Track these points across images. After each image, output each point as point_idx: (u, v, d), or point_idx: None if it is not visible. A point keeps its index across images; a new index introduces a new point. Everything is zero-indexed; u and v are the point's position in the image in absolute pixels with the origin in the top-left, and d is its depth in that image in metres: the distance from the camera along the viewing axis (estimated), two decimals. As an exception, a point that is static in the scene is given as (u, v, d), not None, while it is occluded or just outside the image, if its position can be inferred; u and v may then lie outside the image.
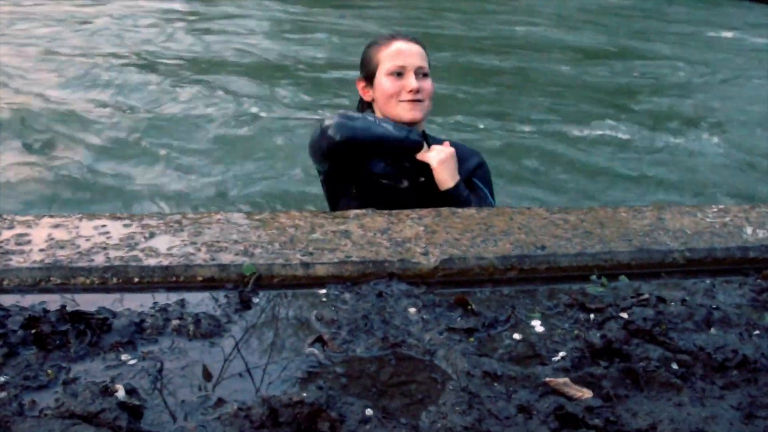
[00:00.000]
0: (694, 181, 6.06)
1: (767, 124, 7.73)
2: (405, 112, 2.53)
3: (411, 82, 2.51)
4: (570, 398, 1.24)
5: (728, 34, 13.63)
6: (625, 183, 5.95)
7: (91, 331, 1.36)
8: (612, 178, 6.05)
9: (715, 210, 2.11)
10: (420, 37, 2.71)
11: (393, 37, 2.62)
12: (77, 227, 1.75)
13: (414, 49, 2.57)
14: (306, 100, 7.92)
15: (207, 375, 1.27)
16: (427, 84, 2.55)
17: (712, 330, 1.51)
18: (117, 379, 1.23)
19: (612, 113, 7.87)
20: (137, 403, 1.16)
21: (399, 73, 2.53)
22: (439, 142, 2.63)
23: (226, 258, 1.63)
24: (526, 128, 7.23)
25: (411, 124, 2.52)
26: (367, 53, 2.65)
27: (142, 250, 1.65)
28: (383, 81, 2.55)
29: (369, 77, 2.61)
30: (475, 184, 2.65)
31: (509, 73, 9.77)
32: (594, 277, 1.72)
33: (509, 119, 7.53)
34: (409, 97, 2.51)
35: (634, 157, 6.58)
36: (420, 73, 2.54)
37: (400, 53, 2.55)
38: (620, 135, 7.12)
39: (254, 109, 7.28)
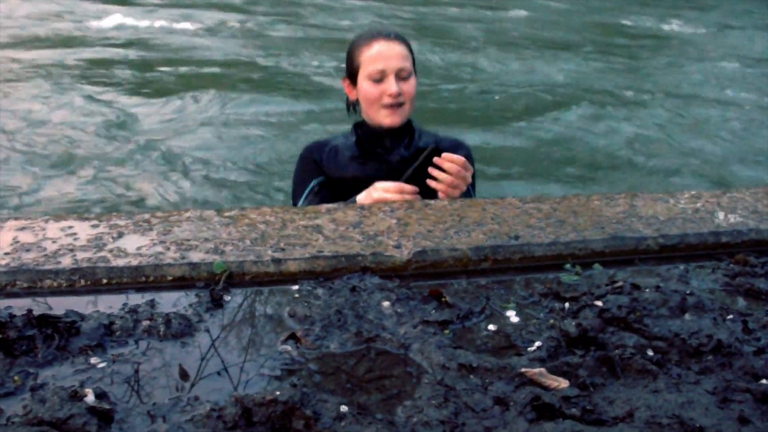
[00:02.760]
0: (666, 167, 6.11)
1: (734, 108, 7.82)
2: (385, 117, 2.48)
3: (390, 86, 2.44)
4: (546, 388, 1.23)
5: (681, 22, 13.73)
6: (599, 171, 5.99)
7: (59, 335, 1.33)
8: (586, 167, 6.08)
9: (687, 196, 2.12)
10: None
11: (373, 36, 2.53)
12: (43, 229, 1.71)
13: (394, 50, 2.49)
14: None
15: (179, 376, 1.25)
16: (409, 86, 2.49)
17: (687, 316, 1.50)
18: (86, 384, 1.21)
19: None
20: (107, 407, 1.13)
21: (379, 78, 2.46)
22: (432, 136, 2.61)
23: (196, 256, 1.61)
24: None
25: (392, 128, 2.49)
26: (349, 52, 2.58)
27: (111, 251, 1.62)
28: (364, 85, 2.50)
29: (352, 77, 2.56)
30: None
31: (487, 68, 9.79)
32: (568, 265, 1.71)
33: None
34: (389, 101, 2.45)
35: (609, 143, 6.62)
36: (401, 75, 2.47)
37: (380, 56, 2.47)
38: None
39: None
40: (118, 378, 1.23)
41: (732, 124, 7.39)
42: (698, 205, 2.04)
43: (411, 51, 2.56)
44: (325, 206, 1.92)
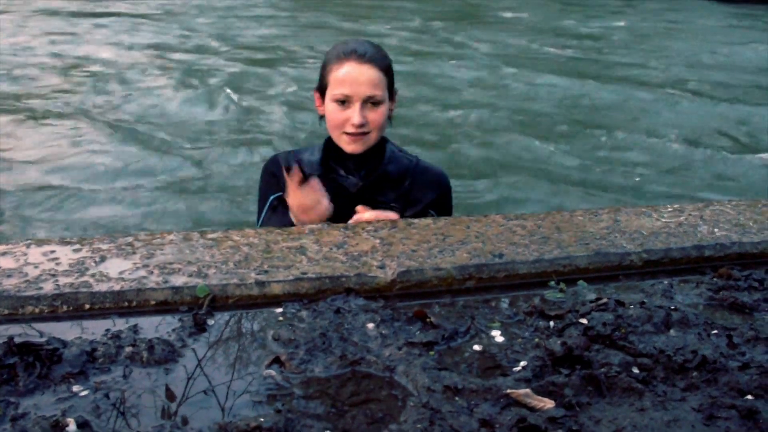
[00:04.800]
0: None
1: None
2: (346, 144, 2.34)
3: (354, 116, 2.29)
4: (532, 409, 1.23)
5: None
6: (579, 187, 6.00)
7: (41, 363, 1.31)
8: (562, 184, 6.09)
9: (670, 209, 2.13)
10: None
11: (346, 55, 2.34)
12: (25, 254, 1.70)
13: (365, 75, 2.31)
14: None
15: (162, 403, 1.24)
16: (376, 115, 2.32)
17: (672, 331, 1.51)
18: (68, 413, 1.19)
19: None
20: (89, 436, 1.12)
21: (344, 102, 2.31)
22: (410, 159, 2.49)
23: (179, 280, 1.60)
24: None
25: (354, 155, 2.36)
26: (323, 65, 2.43)
27: (93, 276, 1.61)
28: (329, 106, 2.35)
29: (321, 92, 2.41)
30: (429, 214, 2.38)
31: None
32: (552, 282, 1.71)
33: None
34: (352, 130, 2.30)
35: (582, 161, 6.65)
36: (369, 102, 2.31)
37: (347, 79, 2.30)
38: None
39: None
40: (100, 406, 1.22)
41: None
42: (681, 218, 2.05)
43: (388, 72, 2.39)
44: (308, 227, 1.92)
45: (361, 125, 2.29)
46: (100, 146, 6.63)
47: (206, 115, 7.84)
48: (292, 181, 2.13)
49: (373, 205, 2.28)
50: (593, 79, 9.61)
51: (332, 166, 2.41)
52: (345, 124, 2.31)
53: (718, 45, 12.38)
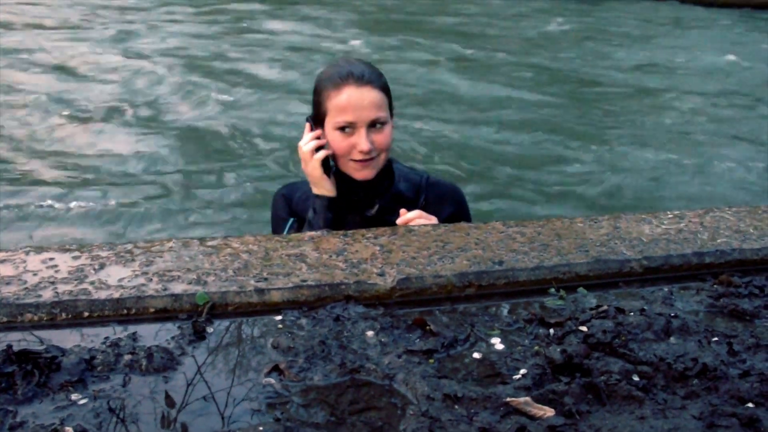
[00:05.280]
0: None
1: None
2: (355, 171, 2.29)
3: (362, 142, 2.22)
4: (532, 417, 1.23)
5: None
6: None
7: (39, 371, 1.31)
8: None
9: (670, 216, 2.12)
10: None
11: (343, 79, 2.25)
12: (24, 261, 1.70)
13: (366, 98, 2.23)
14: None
15: (160, 412, 1.23)
16: (383, 136, 2.26)
17: (672, 339, 1.50)
18: (67, 421, 1.19)
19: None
20: (87, 445, 1.12)
21: (349, 130, 2.24)
22: (420, 175, 2.47)
23: (178, 287, 1.59)
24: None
25: (365, 181, 2.31)
26: (316, 92, 2.34)
27: (92, 283, 1.60)
28: (332, 135, 2.27)
29: (318, 121, 2.33)
30: None
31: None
32: (552, 290, 1.71)
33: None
34: (360, 157, 2.25)
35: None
36: (374, 126, 2.25)
37: (350, 106, 2.22)
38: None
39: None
40: (99, 415, 1.22)
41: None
42: (681, 225, 2.04)
43: (387, 90, 2.32)
44: (308, 234, 1.92)
45: (369, 150, 2.23)
46: (98, 152, 6.64)
47: (205, 123, 7.86)
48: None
49: (384, 224, 2.21)
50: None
51: (343, 194, 2.33)
52: (352, 151, 2.25)
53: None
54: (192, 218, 5.36)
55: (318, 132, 2.31)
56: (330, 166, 2.31)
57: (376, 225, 2.16)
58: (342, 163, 2.30)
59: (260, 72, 10.25)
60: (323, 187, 2.31)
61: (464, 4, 16.75)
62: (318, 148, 2.29)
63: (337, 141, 2.26)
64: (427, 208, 2.31)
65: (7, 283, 1.59)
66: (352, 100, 2.22)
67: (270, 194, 2.60)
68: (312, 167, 2.29)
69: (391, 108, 2.34)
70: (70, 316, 1.52)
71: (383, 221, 2.27)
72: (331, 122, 2.26)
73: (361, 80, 2.25)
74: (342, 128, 2.24)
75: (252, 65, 10.68)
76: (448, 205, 2.44)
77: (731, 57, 11.80)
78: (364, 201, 2.34)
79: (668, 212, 2.17)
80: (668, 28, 15.03)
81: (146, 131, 7.37)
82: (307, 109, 2.47)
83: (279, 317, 1.55)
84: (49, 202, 5.52)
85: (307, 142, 2.31)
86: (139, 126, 7.59)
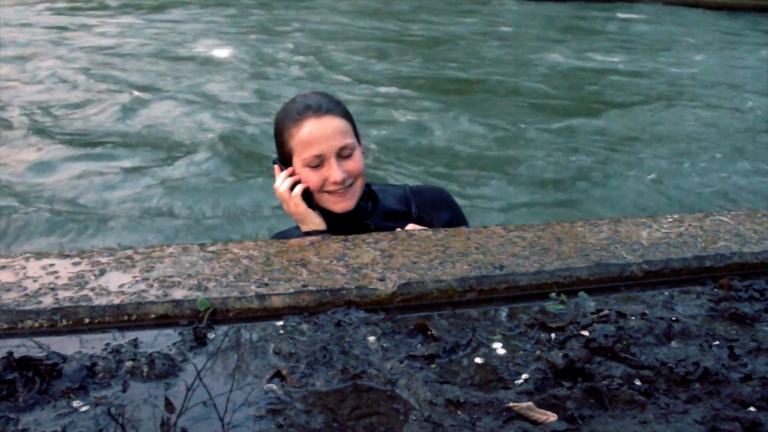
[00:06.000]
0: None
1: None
2: (334, 204, 2.22)
3: (334, 173, 2.16)
4: (535, 422, 1.23)
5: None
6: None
7: (40, 378, 1.31)
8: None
9: (670, 220, 2.12)
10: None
11: (301, 114, 2.18)
12: (24, 268, 1.69)
13: (329, 127, 2.16)
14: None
15: (161, 418, 1.23)
16: (353, 163, 2.20)
17: (673, 343, 1.50)
18: (68, 428, 1.19)
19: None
20: (89, 453, 1.11)
21: (318, 164, 2.18)
22: (401, 188, 2.43)
23: (179, 293, 1.59)
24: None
25: (345, 213, 2.25)
26: (277, 133, 2.27)
27: (93, 289, 1.60)
28: (303, 173, 2.20)
29: (285, 162, 2.26)
30: None
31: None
32: (553, 294, 1.71)
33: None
34: (335, 188, 2.19)
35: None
36: (343, 154, 2.18)
37: (313, 139, 2.15)
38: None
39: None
40: (100, 422, 1.21)
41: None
42: (681, 229, 2.04)
43: (348, 116, 2.26)
44: (308, 239, 1.91)
45: (343, 180, 2.18)
46: (98, 160, 6.63)
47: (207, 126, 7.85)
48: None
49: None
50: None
51: (331, 226, 2.25)
52: (325, 184, 2.19)
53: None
54: (197, 223, 5.37)
55: (290, 169, 2.23)
56: (311, 199, 2.23)
57: None
58: (318, 198, 2.23)
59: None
60: (311, 222, 2.22)
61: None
62: (294, 184, 2.21)
63: (308, 177, 2.20)
64: (421, 217, 2.29)
65: (8, 290, 1.59)
66: (314, 133, 2.16)
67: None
68: (294, 204, 2.21)
69: (356, 133, 2.28)
70: (70, 322, 1.52)
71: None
72: (299, 160, 2.20)
73: (319, 111, 2.18)
74: (312, 165, 2.18)
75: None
76: (442, 211, 2.40)
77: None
78: (356, 228, 2.22)
79: (668, 216, 2.17)
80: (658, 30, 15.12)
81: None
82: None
83: (280, 323, 1.55)
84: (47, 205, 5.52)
85: (281, 182, 2.22)
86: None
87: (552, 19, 16.36)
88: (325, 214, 2.26)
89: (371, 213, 2.33)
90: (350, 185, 2.21)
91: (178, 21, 14.69)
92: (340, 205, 2.22)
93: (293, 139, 2.19)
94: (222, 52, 11.77)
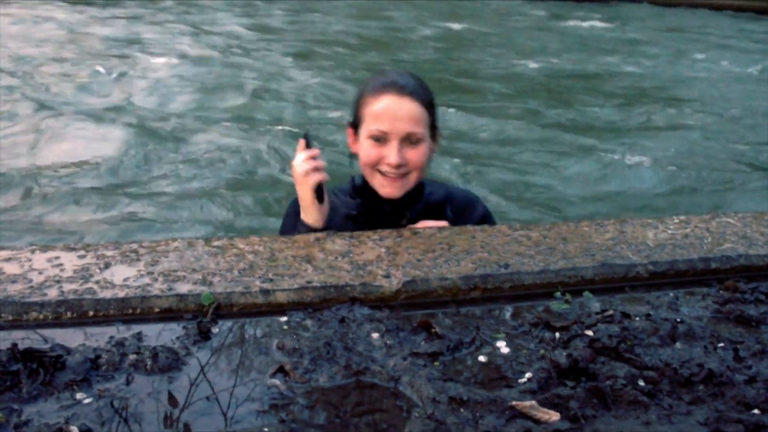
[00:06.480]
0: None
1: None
2: (381, 186, 2.15)
3: (391, 155, 2.10)
4: (537, 421, 1.22)
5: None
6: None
7: (44, 370, 1.31)
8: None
9: (677, 221, 2.12)
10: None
11: (384, 87, 2.15)
12: (30, 260, 1.70)
13: (405, 109, 2.11)
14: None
15: (164, 412, 1.23)
16: (416, 154, 2.13)
17: (677, 344, 1.50)
18: (71, 420, 1.19)
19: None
20: (92, 445, 1.12)
21: (381, 139, 2.12)
22: (440, 186, 2.37)
23: (183, 288, 1.59)
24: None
25: (391, 198, 2.17)
26: (357, 97, 2.23)
27: (97, 282, 1.60)
28: (363, 143, 2.16)
29: (355, 127, 2.22)
30: None
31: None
32: (558, 293, 1.70)
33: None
34: (388, 170, 2.13)
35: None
36: (408, 140, 2.12)
37: (386, 114, 2.10)
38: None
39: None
40: (103, 414, 1.22)
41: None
42: (687, 230, 2.04)
43: (431, 107, 2.19)
44: (314, 235, 1.91)
45: (399, 165, 2.12)
46: (102, 152, 6.64)
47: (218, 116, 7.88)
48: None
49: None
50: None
51: (370, 206, 2.22)
52: (380, 162, 2.13)
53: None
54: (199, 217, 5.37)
55: (315, 151, 2.11)
56: (323, 192, 2.13)
57: None
58: (369, 174, 2.18)
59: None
60: (311, 215, 2.12)
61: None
62: (313, 171, 2.09)
63: (367, 150, 2.15)
64: (456, 222, 2.20)
65: (13, 282, 1.59)
66: (389, 109, 2.11)
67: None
68: (303, 191, 2.11)
69: (434, 128, 2.23)
70: (75, 315, 1.52)
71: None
72: (365, 130, 2.16)
73: (402, 90, 2.13)
74: (375, 138, 2.13)
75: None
76: (475, 210, 2.34)
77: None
78: (392, 215, 2.21)
79: (674, 217, 2.17)
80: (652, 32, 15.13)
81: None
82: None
83: (284, 318, 1.55)
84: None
85: (300, 162, 2.09)
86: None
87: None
88: (364, 195, 2.23)
89: (411, 205, 2.25)
90: (405, 174, 2.15)
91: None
92: (387, 189, 2.16)
93: (367, 108, 2.15)
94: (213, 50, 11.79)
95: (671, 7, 18.66)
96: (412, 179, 2.17)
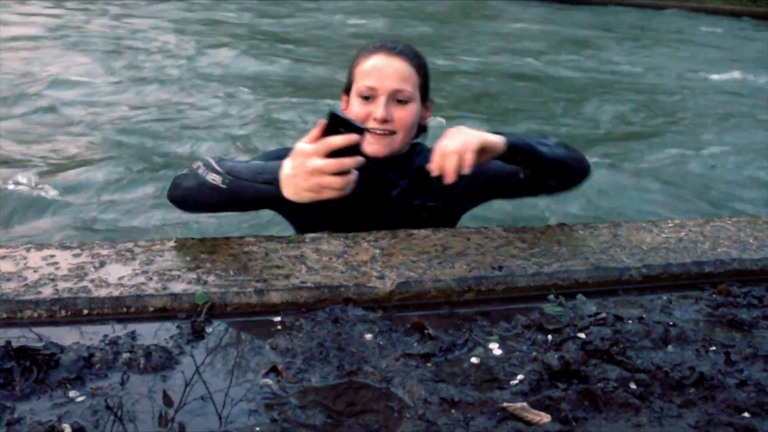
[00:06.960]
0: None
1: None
2: (368, 144, 2.10)
3: (377, 109, 2.10)
4: (528, 423, 1.23)
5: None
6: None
7: (38, 368, 1.31)
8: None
9: (671, 225, 2.13)
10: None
11: (375, 49, 2.19)
12: (24, 258, 1.70)
13: (394, 66, 2.14)
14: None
15: (158, 410, 1.24)
16: (403, 113, 2.14)
17: (670, 347, 1.51)
18: (64, 418, 1.19)
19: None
20: (84, 443, 1.12)
21: (369, 96, 2.14)
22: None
23: (178, 287, 1.60)
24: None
25: (376, 158, 2.14)
26: (351, 64, 2.25)
27: (92, 281, 1.61)
28: (353, 102, 2.17)
29: (348, 90, 2.24)
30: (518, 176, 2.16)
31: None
32: (551, 296, 1.71)
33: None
34: (374, 125, 2.12)
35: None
36: (396, 99, 2.13)
37: (374, 71, 2.13)
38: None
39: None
40: (96, 413, 1.22)
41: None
42: (681, 234, 2.05)
43: (421, 71, 2.21)
44: (309, 235, 1.92)
45: (384, 120, 2.12)
46: (102, 153, 6.63)
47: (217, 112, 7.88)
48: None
49: (409, 209, 2.18)
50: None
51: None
52: (368, 119, 2.12)
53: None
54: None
55: (327, 146, 1.71)
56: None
57: (402, 210, 2.13)
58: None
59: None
60: (299, 199, 1.81)
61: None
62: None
63: (355, 108, 2.15)
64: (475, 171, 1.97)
65: (7, 279, 1.59)
66: (377, 66, 2.15)
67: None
68: (303, 178, 1.75)
69: (424, 91, 2.23)
70: (69, 313, 1.52)
71: (409, 205, 2.20)
72: (354, 89, 2.18)
73: (392, 50, 2.17)
74: (363, 96, 2.14)
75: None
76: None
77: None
78: (380, 180, 2.18)
79: (668, 221, 2.17)
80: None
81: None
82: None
83: (278, 318, 1.55)
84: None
85: (309, 151, 1.74)
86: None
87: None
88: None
89: (397, 170, 2.21)
90: (392, 133, 2.15)
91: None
92: (373, 147, 2.13)
93: (358, 67, 2.19)
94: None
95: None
96: (398, 140, 2.17)
